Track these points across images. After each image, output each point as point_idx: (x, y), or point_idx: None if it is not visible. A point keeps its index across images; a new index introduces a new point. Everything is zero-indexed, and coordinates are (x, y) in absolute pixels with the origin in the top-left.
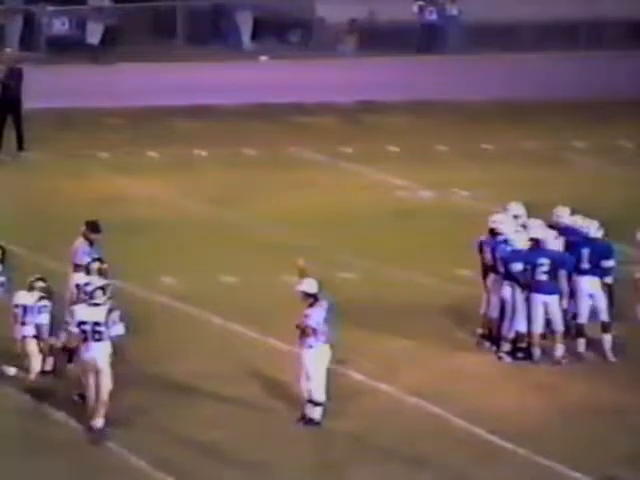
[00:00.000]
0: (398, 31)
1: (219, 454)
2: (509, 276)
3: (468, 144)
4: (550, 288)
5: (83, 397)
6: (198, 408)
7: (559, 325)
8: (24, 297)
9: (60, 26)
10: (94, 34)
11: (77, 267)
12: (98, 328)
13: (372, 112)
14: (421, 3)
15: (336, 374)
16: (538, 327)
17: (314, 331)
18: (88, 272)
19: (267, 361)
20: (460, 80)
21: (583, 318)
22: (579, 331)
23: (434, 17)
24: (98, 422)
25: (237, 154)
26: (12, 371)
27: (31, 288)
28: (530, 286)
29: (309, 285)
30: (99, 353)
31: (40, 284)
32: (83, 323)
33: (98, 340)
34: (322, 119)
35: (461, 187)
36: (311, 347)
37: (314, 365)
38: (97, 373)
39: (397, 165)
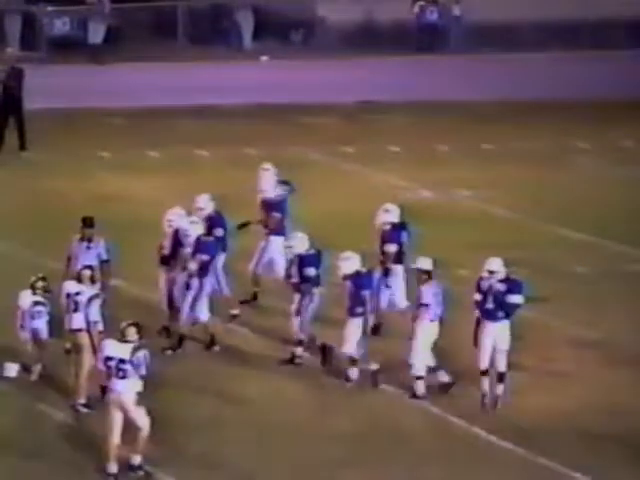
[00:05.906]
0: (398, 31)
1: (219, 454)
2: None
3: (468, 144)
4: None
5: (88, 406)
6: (197, 408)
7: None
8: (23, 299)
9: (61, 26)
10: (97, 34)
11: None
12: (123, 366)
13: (372, 112)
14: (422, 3)
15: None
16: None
17: (427, 307)
18: (79, 280)
19: (267, 361)
20: (460, 80)
21: (485, 364)
22: (500, 376)
23: (435, 17)
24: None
25: (237, 154)
26: (14, 371)
27: (32, 288)
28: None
29: (424, 262)
30: (124, 390)
31: (41, 284)
32: (109, 359)
33: (122, 377)
34: (322, 119)
35: (462, 187)
36: (430, 321)
37: (424, 338)
38: (124, 412)
39: (397, 165)
